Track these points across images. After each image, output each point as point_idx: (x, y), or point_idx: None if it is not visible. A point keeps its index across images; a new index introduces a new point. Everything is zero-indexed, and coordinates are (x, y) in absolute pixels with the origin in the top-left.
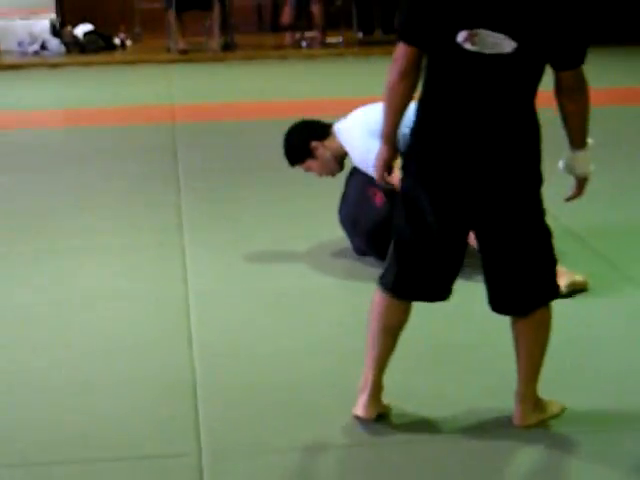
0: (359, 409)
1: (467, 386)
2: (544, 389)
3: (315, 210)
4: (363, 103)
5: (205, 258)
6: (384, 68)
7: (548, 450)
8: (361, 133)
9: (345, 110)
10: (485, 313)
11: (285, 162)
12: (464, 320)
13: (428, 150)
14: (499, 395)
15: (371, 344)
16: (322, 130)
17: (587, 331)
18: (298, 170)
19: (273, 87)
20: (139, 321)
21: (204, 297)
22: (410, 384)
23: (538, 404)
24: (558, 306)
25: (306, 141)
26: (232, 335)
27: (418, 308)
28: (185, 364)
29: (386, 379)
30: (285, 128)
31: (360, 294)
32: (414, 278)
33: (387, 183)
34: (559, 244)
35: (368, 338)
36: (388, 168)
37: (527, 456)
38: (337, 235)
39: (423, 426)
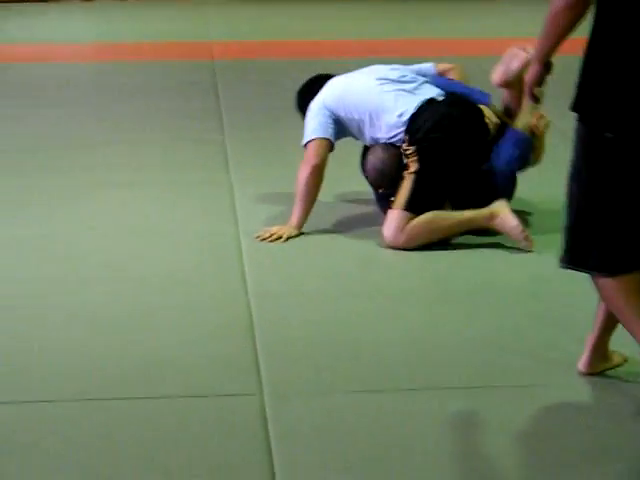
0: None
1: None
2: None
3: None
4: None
5: (253, 196)
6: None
7: (610, 396)
8: (314, 109)
9: (389, 51)
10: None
11: None
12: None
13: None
14: (561, 344)
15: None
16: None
17: None
18: None
19: (315, 27)
20: (192, 258)
21: (255, 234)
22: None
23: (605, 354)
24: None
25: (307, 101)
26: (285, 274)
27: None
28: (241, 301)
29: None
30: (327, 68)
31: None
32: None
33: (535, 98)
34: None
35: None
36: (538, 84)
37: (591, 400)
38: None
39: (485, 373)
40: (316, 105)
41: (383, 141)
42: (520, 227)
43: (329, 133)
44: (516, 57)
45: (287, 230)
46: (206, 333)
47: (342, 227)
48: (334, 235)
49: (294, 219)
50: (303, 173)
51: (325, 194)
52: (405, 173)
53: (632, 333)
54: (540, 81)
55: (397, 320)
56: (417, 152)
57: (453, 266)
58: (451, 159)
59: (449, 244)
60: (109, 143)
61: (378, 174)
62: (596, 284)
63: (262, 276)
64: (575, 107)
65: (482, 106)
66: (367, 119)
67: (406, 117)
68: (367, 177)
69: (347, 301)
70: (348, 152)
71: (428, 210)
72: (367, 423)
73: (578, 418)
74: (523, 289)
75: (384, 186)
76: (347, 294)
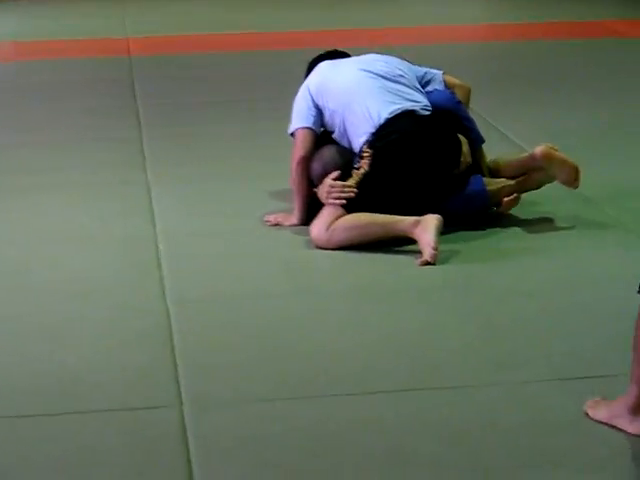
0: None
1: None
2: None
3: (282, 146)
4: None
5: (171, 196)
6: None
7: (543, 398)
8: (300, 95)
9: (312, 42)
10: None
11: (249, 95)
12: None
13: None
14: (488, 342)
15: None
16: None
17: None
18: (264, 105)
19: (228, 19)
20: (108, 263)
21: (173, 237)
22: None
23: None
24: None
25: (306, 75)
26: (205, 278)
27: None
28: (159, 309)
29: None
30: (243, 62)
31: None
32: None
33: None
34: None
35: None
36: None
37: (524, 400)
38: None
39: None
40: (301, 89)
41: (351, 139)
42: (432, 245)
43: (311, 122)
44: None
45: (289, 220)
46: (123, 343)
47: (264, 229)
48: (255, 237)
49: (295, 212)
50: (293, 166)
51: (247, 193)
52: (353, 172)
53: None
54: None
55: (320, 323)
56: (372, 157)
57: (375, 266)
58: (403, 179)
59: (371, 246)
60: (24, 145)
61: (324, 171)
62: None
63: (181, 281)
64: None
65: (463, 139)
66: (341, 111)
67: (378, 120)
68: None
69: (269, 305)
70: (271, 147)
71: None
72: (293, 432)
73: (510, 418)
74: (448, 285)
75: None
76: (269, 297)
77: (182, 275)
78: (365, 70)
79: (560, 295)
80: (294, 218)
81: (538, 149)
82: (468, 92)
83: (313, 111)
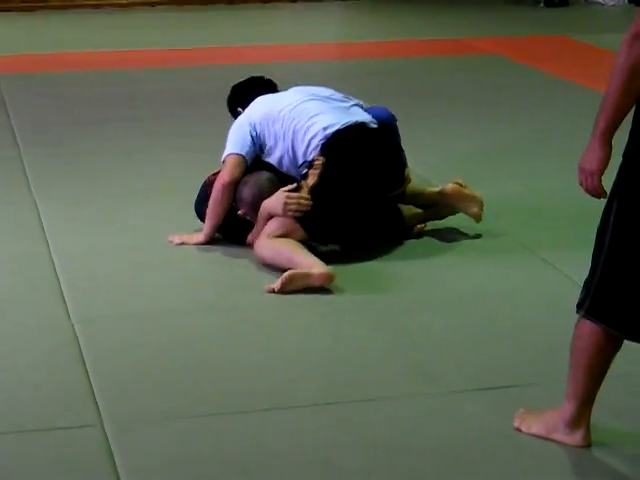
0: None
1: None
2: None
3: (160, 164)
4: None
5: (59, 213)
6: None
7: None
8: (238, 123)
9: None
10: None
11: (122, 114)
12: None
13: None
14: (402, 353)
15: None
16: (252, 97)
17: None
18: (138, 123)
19: (93, 38)
20: (5, 282)
21: (68, 255)
22: None
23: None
24: None
25: (233, 104)
26: (106, 295)
27: None
28: (64, 327)
29: None
30: (114, 79)
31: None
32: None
33: (596, 193)
34: None
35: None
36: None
37: (444, 410)
38: (193, 185)
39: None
40: (241, 119)
41: (298, 155)
42: (279, 282)
43: (245, 150)
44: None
45: (195, 239)
46: (31, 362)
47: (160, 245)
48: (153, 254)
49: (204, 230)
50: (215, 189)
51: (137, 210)
52: (302, 182)
53: (574, 380)
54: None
55: (230, 339)
56: (323, 165)
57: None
58: (352, 189)
59: None
60: None
61: (259, 195)
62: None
63: (83, 298)
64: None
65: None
66: (290, 133)
67: (331, 130)
68: (238, 199)
69: (175, 321)
70: (149, 164)
71: (312, 226)
72: (220, 448)
73: (434, 430)
74: (356, 300)
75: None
76: (174, 314)
77: (83, 293)
78: (311, 94)
79: (465, 308)
80: (202, 236)
81: (448, 187)
82: None
83: (249, 142)
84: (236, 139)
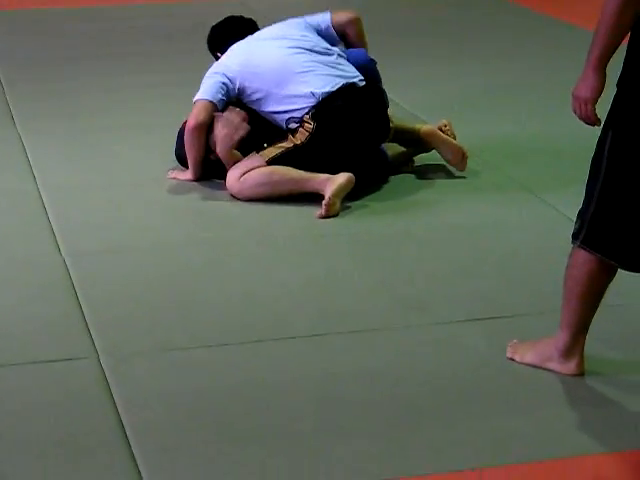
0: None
1: None
2: None
3: (148, 100)
4: None
5: (45, 149)
6: None
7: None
8: (213, 70)
9: None
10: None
11: (108, 50)
12: None
13: None
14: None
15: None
16: (232, 42)
17: None
18: (126, 58)
19: None
20: None
21: (56, 190)
22: None
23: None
24: None
25: (213, 48)
26: (95, 229)
27: None
28: (55, 261)
29: None
30: (95, 16)
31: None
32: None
33: (590, 121)
34: None
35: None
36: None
37: (440, 340)
38: (174, 120)
39: None
40: (217, 67)
41: (285, 115)
42: (325, 200)
43: (216, 98)
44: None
45: (184, 176)
46: (24, 296)
47: (149, 181)
48: (141, 188)
49: (190, 168)
50: (186, 132)
51: (123, 146)
52: (289, 135)
53: (568, 309)
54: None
55: (222, 273)
56: (314, 129)
57: (275, 213)
58: (338, 148)
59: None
60: None
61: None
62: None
63: (72, 233)
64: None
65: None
66: (271, 89)
67: (321, 93)
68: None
69: (166, 255)
70: (135, 99)
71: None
72: (215, 379)
73: (429, 360)
74: (346, 233)
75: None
76: (165, 247)
77: (73, 227)
78: (291, 47)
79: (455, 241)
80: (189, 174)
81: (423, 129)
82: (359, 23)
83: (221, 92)
84: (208, 87)
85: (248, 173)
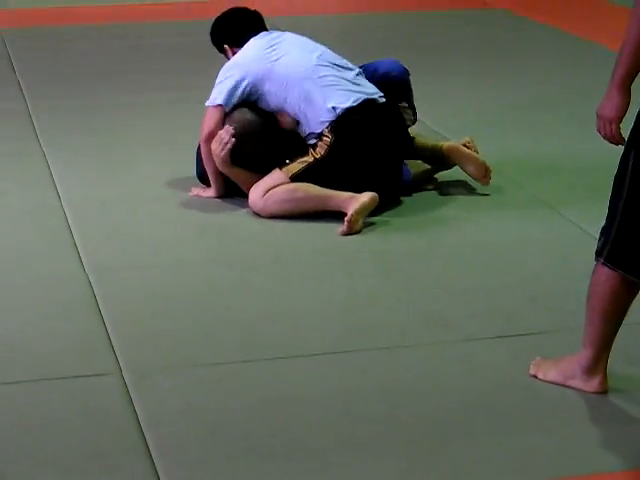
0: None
1: None
2: None
3: (172, 116)
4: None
5: (68, 165)
6: None
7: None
8: (226, 73)
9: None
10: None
11: (129, 67)
12: None
13: None
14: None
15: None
16: (241, 36)
17: None
18: (147, 75)
19: None
20: (18, 233)
21: (80, 207)
22: None
23: None
24: None
25: (220, 40)
26: (119, 246)
27: None
28: (79, 277)
29: None
30: (117, 33)
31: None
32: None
33: (614, 140)
34: None
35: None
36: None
37: (461, 359)
38: (196, 135)
39: None
40: (235, 67)
41: (303, 121)
42: (347, 217)
43: (230, 102)
44: (477, 168)
45: (207, 193)
46: (49, 312)
47: (172, 197)
48: (165, 205)
49: (212, 186)
50: (201, 144)
51: (147, 162)
52: (310, 150)
53: (591, 326)
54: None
55: (244, 290)
56: (332, 142)
57: (297, 230)
58: (359, 162)
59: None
60: None
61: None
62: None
63: (96, 249)
64: None
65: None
66: (294, 101)
67: (342, 108)
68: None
69: (190, 273)
70: (162, 116)
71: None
72: (238, 395)
73: (453, 377)
74: (370, 250)
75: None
76: (189, 265)
77: (97, 244)
78: (318, 58)
79: (478, 258)
80: (212, 191)
81: (445, 145)
82: None
83: (237, 94)
84: (224, 88)
85: (272, 190)
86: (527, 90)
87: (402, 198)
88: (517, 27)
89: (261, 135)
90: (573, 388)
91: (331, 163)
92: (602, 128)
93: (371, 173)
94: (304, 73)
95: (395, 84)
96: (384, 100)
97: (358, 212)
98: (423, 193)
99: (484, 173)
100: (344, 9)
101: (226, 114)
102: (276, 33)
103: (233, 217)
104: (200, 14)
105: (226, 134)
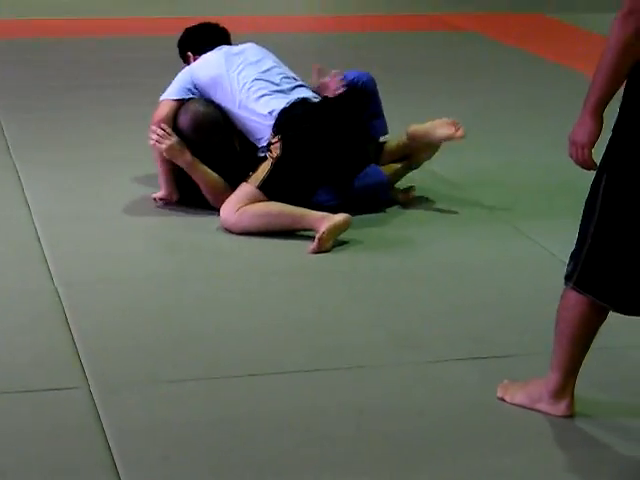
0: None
1: None
2: None
3: (140, 131)
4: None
5: (39, 178)
6: None
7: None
8: (182, 75)
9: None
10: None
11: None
12: None
13: None
14: (383, 323)
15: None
16: (204, 47)
17: None
18: (115, 91)
19: (72, 4)
20: None
21: (50, 220)
22: None
23: None
24: None
25: (184, 47)
26: (88, 260)
27: None
28: (48, 291)
29: None
30: (95, 46)
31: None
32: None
33: (587, 166)
34: None
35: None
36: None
37: (426, 378)
38: None
39: None
40: (186, 73)
41: (245, 132)
42: (318, 235)
43: (181, 97)
44: (444, 128)
45: (159, 194)
46: (16, 325)
47: (142, 212)
48: (134, 220)
49: (161, 186)
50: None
51: (116, 177)
52: (267, 154)
53: (559, 350)
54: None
55: (213, 305)
56: (282, 139)
57: (269, 248)
58: (314, 152)
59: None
60: None
61: (192, 126)
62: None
63: (65, 263)
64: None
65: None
66: (235, 111)
67: (276, 112)
68: (179, 129)
69: (159, 287)
70: (128, 131)
71: (280, 197)
72: (205, 412)
73: (420, 398)
74: (340, 269)
75: (195, 141)
76: (157, 279)
77: (66, 257)
78: (260, 72)
79: (446, 279)
80: (161, 192)
81: (407, 131)
82: None
83: (188, 94)
84: (176, 88)
85: (245, 207)
86: (499, 111)
87: (372, 216)
88: (486, 49)
89: (220, 124)
90: (540, 411)
91: (290, 158)
92: (574, 153)
93: (329, 162)
94: (241, 84)
95: (363, 91)
96: (317, 100)
97: (330, 231)
98: (393, 209)
99: (455, 127)
100: (317, 28)
101: (181, 104)
102: (236, 48)
103: (204, 233)
104: (173, 29)
105: (156, 128)
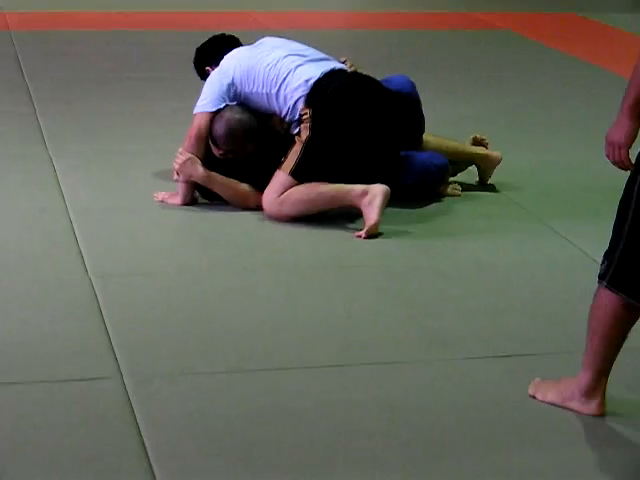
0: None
1: None
2: None
3: (173, 125)
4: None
5: (73, 169)
6: None
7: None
8: (211, 84)
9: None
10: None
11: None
12: None
13: None
14: (415, 320)
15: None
16: (220, 53)
17: None
18: (149, 84)
19: None
20: (22, 236)
21: (85, 211)
22: None
23: None
24: None
25: (201, 65)
26: (122, 251)
27: None
28: (82, 281)
29: None
30: (130, 40)
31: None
32: None
33: (624, 166)
34: None
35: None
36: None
37: (455, 376)
38: None
39: None
40: (216, 81)
41: (285, 112)
42: (372, 222)
43: (217, 108)
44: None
45: (173, 199)
46: (51, 315)
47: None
48: (168, 212)
49: (179, 192)
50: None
51: (151, 169)
52: (296, 138)
53: (591, 349)
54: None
55: (247, 298)
56: (312, 116)
57: (302, 240)
58: (346, 132)
59: (300, 220)
60: None
61: (228, 135)
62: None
63: (100, 254)
64: None
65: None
66: (274, 91)
67: (312, 81)
68: (214, 137)
69: (192, 280)
70: (164, 124)
71: (314, 180)
72: (236, 404)
73: (449, 395)
74: (373, 264)
75: (230, 150)
76: (191, 272)
77: (100, 249)
78: (290, 52)
79: (479, 277)
80: (178, 198)
81: (478, 155)
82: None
83: (223, 99)
84: (210, 99)
85: (287, 192)
86: (532, 111)
87: (406, 211)
88: (519, 48)
89: (256, 132)
90: (571, 410)
91: (320, 139)
92: (611, 153)
93: (364, 141)
94: (273, 64)
95: (408, 99)
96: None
97: (379, 213)
98: (425, 208)
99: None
100: (350, 25)
101: (216, 113)
102: (254, 44)
103: (238, 225)
104: (207, 25)
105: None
